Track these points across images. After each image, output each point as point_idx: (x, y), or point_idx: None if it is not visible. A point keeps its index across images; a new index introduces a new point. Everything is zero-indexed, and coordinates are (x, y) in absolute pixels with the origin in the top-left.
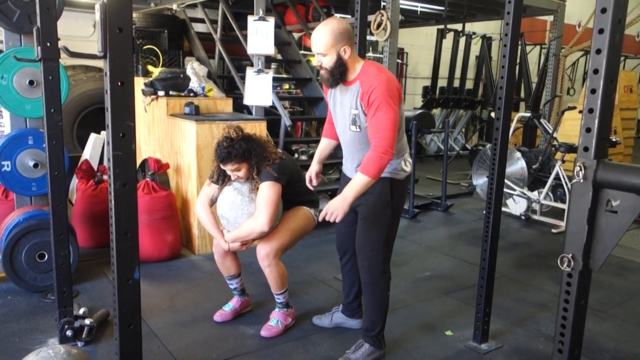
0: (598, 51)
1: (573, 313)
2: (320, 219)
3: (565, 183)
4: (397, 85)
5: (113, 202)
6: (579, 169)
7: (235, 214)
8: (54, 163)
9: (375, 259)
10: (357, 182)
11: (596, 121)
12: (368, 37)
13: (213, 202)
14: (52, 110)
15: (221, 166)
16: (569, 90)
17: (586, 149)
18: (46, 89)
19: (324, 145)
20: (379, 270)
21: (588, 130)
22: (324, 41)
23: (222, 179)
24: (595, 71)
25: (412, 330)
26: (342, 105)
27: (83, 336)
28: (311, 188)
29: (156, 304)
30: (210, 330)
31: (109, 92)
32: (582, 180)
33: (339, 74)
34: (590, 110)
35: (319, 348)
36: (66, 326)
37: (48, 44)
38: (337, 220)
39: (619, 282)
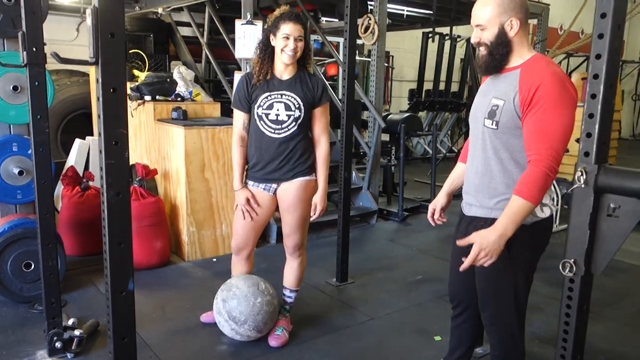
0: (598, 56)
1: (575, 318)
2: (466, 264)
3: (553, 185)
4: (574, 92)
5: (106, 212)
6: (580, 174)
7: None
8: (40, 171)
9: (504, 328)
10: (516, 208)
11: (596, 126)
12: (357, 41)
13: (249, 130)
14: (39, 117)
15: (288, 27)
16: None
17: (587, 154)
18: (32, 95)
19: (459, 172)
20: (511, 342)
21: (589, 135)
22: (485, 8)
23: (253, 90)
24: (595, 76)
25: (404, 335)
26: (483, 97)
27: (73, 348)
28: (432, 224)
29: (147, 312)
30: (204, 338)
31: (101, 99)
32: (583, 186)
33: (500, 56)
34: (591, 115)
35: (314, 355)
36: (55, 338)
37: (34, 49)
38: (489, 263)
39: (610, 283)
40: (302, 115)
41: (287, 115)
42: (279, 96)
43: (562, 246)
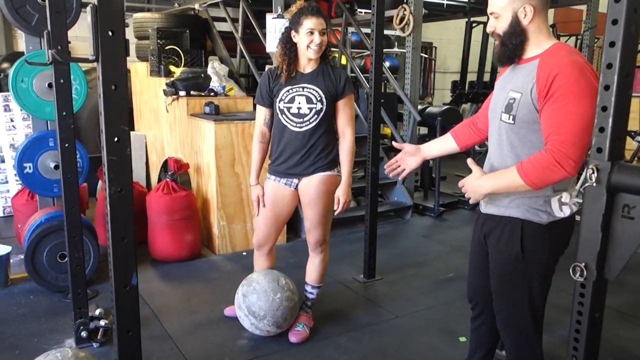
0: (612, 44)
1: (587, 326)
2: (460, 184)
3: None
4: (596, 82)
5: (108, 208)
6: (591, 171)
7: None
8: (66, 166)
9: (518, 331)
10: (507, 176)
11: (610, 120)
12: (393, 32)
13: (270, 127)
14: (64, 114)
15: (311, 22)
16: None
17: (599, 150)
18: (57, 92)
19: (439, 141)
20: (525, 346)
21: (601, 130)
22: None
23: (275, 85)
24: (609, 65)
25: (428, 335)
26: (502, 90)
27: (98, 337)
28: (386, 170)
29: (172, 304)
30: (226, 332)
31: (101, 96)
32: (595, 184)
33: (513, 46)
34: (604, 108)
35: (334, 352)
36: (81, 327)
37: (59, 47)
38: (470, 202)
39: None
40: (324, 107)
41: (308, 108)
42: (301, 89)
43: None
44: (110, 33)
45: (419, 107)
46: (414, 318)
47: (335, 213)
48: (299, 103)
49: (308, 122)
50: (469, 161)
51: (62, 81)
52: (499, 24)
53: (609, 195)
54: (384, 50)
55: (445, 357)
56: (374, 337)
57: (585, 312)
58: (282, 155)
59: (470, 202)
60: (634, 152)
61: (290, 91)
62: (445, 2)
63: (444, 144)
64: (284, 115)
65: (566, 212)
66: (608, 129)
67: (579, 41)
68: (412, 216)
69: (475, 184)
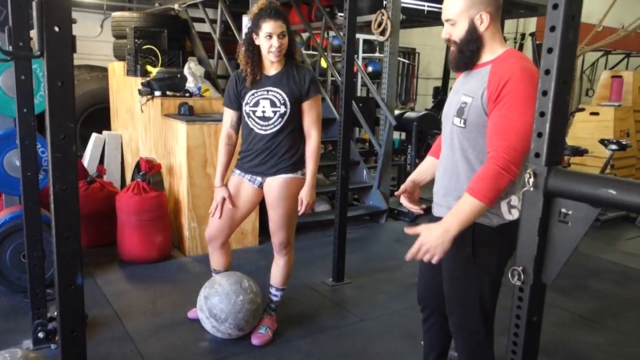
0: (550, 50)
1: (525, 330)
2: (408, 257)
3: None
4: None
5: (53, 206)
6: (528, 176)
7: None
8: (26, 163)
9: (469, 333)
10: (464, 206)
11: (547, 125)
12: (373, 37)
13: (237, 129)
14: (25, 110)
15: (269, 25)
16: (588, 92)
17: (537, 155)
18: (18, 89)
19: (426, 165)
20: (477, 348)
21: (539, 135)
22: (455, 2)
23: (243, 87)
24: (547, 72)
25: (391, 338)
26: (455, 94)
27: (56, 339)
28: (405, 203)
29: (137, 306)
30: (188, 334)
31: (47, 92)
32: (532, 189)
33: (470, 52)
34: (542, 114)
35: (295, 355)
36: (39, 328)
37: (20, 44)
38: (433, 262)
39: (619, 292)
40: (288, 111)
41: (272, 111)
42: (265, 92)
43: (573, 252)
44: (57, 29)
45: (399, 112)
46: (379, 322)
47: (300, 214)
48: (264, 107)
49: (273, 125)
50: (406, 230)
51: (22, 77)
52: (454, 31)
53: (545, 200)
54: (367, 55)
55: None
56: (337, 341)
57: (523, 316)
58: (248, 154)
59: (435, 259)
60: (606, 161)
61: (255, 95)
62: (425, 8)
63: (432, 167)
64: (250, 119)
65: (515, 215)
66: (546, 134)
67: None
68: (387, 220)
69: (435, 237)
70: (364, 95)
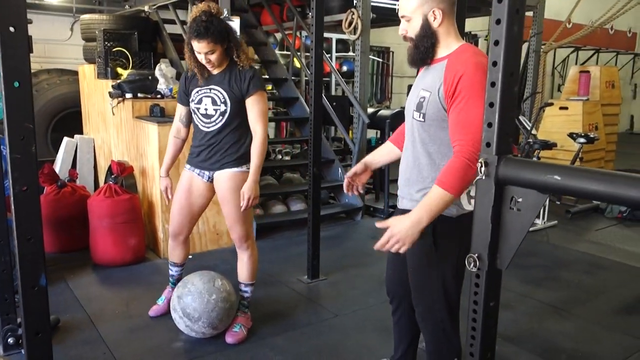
0: (496, 42)
1: (482, 315)
2: (376, 247)
3: None
4: None
5: (14, 207)
6: (480, 165)
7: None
8: None
9: (435, 323)
10: (434, 198)
11: (496, 115)
12: (346, 37)
13: (186, 124)
14: None
15: (195, 45)
16: (560, 87)
17: (488, 145)
18: None
19: (382, 151)
20: (443, 337)
21: (489, 125)
22: None
23: (191, 84)
24: (494, 63)
25: (365, 333)
26: (415, 88)
27: None
28: (345, 190)
29: (110, 309)
30: (161, 335)
31: (4, 93)
32: (484, 177)
33: (425, 48)
34: (491, 105)
35: (269, 352)
36: (9, 334)
37: None
38: (401, 251)
39: (588, 280)
40: (228, 109)
41: (214, 109)
42: (208, 90)
43: (545, 244)
44: (12, 29)
45: (373, 110)
46: (353, 317)
47: (242, 209)
48: (206, 104)
49: (214, 123)
50: (377, 224)
51: None
52: (410, 27)
53: (497, 188)
54: (341, 54)
55: (379, 354)
56: (312, 337)
57: (480, 302)
58: (196, 150)
59: (403, 249)
60: (575, 153)
61: (199, 92)
62: (397, 7)
63: (388, 153)
64: (195, 115)
65: (471, 204)
66: (495, 124)
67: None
68: (363, 217)
69: (405, 227)
70: (339, 94)
